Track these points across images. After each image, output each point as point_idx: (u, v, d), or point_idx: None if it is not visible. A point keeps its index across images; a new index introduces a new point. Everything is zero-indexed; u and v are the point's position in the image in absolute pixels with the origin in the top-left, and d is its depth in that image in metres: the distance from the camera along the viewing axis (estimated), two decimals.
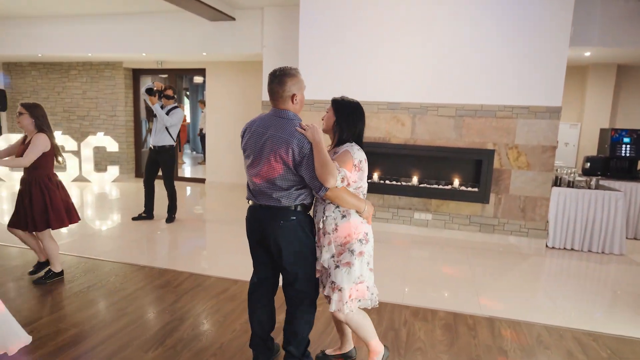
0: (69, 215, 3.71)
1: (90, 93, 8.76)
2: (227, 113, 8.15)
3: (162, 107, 5.39)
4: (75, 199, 7.00)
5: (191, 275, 3.89)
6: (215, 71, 8.17)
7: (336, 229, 2.27)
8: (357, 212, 2.27)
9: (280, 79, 2.22)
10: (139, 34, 7.26)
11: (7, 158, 3.58)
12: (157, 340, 2.82)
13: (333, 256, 2.30)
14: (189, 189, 8.22)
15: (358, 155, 2.25)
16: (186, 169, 10.65)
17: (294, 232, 2.26)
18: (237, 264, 4.22)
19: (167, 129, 5.37)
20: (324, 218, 2.29)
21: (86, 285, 3.65)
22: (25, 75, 9.09)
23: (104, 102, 8.72)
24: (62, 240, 4.82)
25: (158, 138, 5.40)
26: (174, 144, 5.52)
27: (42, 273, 3.79)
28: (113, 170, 8.32)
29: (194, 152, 13.23)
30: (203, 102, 11.01)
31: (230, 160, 8.21)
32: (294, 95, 2.23)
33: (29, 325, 2.95)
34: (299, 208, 2.27)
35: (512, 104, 5.00)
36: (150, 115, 5.42)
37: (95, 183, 8.20)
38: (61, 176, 7.93)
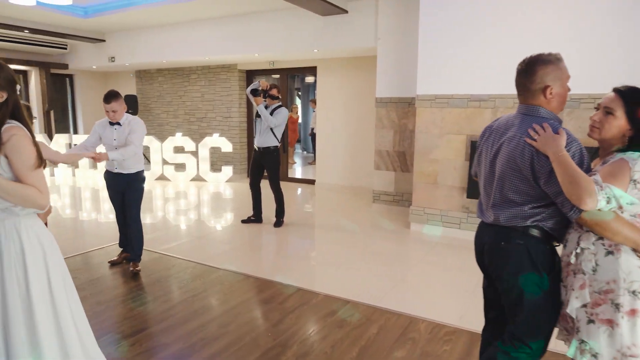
0: None
1: (207, 96, 9.10)
2: (338, 112, 7.81)
3: (265, 107, 5.19)
4: (192, 198, 7.23)
5: (298, 291, 3.54)
6: (326, 69, 7.88)
7: (595, 268, 1.64)
8: (633, 249, 1.58)
9: (528, 67, 1.76)
10: (251, 35, 7.25)
11: None
12: None
13: (586, 306, 1.64)
14: (299, 190, 8.05)
15: None
16: (296, 169, 10.61)
17: (517, 259, 1.74)
18: (348, 281, 3.78)
19: (271, 129, 5.16)
20: (578, 251, 1.68)
21: (192, 293, 3.50)
22: (153, 81, 9.78)
23: (220, 104, 8.99)
24: (174, 242, 4.85)
25: (263, 139, 5.20)
26: (279, 144, 5.29)
27: None
28: (227, 171, 8.51)
29: (305, 152, 13.25)
30: (314, 101, 10.91)
31: (341, 161, 7.85)
32: (546, 87, 1.73)
33: (134, 336, 2.83)
34: (532, 231, 1.74)
35: None
36: (257, 115, 5.24)
37: (211, 183, 8.46)
38: (181, 176, 8.44)
